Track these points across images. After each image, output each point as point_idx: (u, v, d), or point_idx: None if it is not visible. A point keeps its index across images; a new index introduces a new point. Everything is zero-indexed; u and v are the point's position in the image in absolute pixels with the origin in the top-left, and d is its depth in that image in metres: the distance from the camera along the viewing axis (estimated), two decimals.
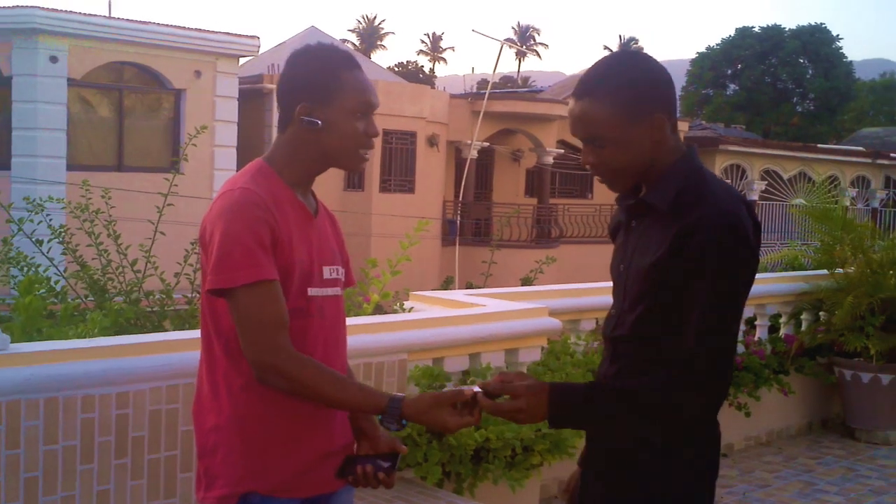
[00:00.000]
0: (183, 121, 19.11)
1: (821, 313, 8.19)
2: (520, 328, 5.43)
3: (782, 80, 54.49)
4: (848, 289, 7.87)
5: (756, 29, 55.81)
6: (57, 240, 6.97)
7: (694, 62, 57.02)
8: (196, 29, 19.44)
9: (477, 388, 2.39)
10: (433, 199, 24.26)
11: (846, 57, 54.93)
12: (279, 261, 2.46)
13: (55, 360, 3.60)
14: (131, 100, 19.23)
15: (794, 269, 9.63)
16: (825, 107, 53.90)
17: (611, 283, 2.62)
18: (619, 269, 2.54)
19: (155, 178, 12.37)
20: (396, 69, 75.48)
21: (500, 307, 5.51)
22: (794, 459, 7.44)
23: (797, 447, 7.79)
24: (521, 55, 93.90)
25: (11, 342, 3.64)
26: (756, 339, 7.82)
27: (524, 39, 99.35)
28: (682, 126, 28.01)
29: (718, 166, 27.87)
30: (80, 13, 17.85)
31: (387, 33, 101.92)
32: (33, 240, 6.94)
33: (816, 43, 53.40)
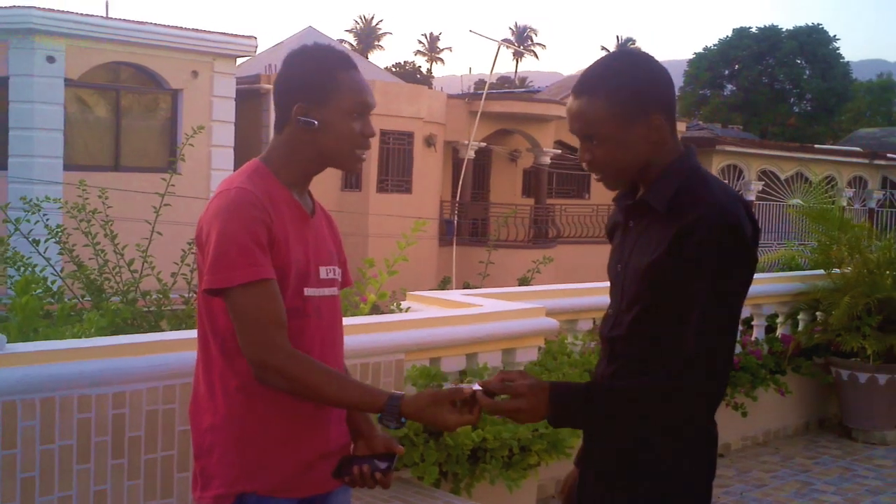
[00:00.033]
0: (180, 121, 19.10)
1: (818, 313, 8.20)
2: (517, 328, 5.43)
3: (779, 81, 54.54)
4: (845, 289, 7.87)
5: (753, 29, 55.87)
6: (54, 240, 6.96)
7: (691, 63, 57.06)
8: (193, 29, 19.43)
9: (477, 387, 2.38)
10: (430, 200, 24.26)
11: (843, 57, 54.99)
12: (275, 260, 2.45)
13: (52, 359, 3.60)
14: (128, 100, 19.22)
15: (790, 269, 9.64)
16: (822, 107, 53.95)
17: (608, 284, 2.61)
18: (616, 269, 2.54)
19: (152, 178, 12.37)
20: (394, 69, 75.46)
21: (497, 307, 5.51)
22: (791, 459, 7.44)
23: (794, 447, 7.80)
24: (518, 55, 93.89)
25: (8, 342, 3.64)
26: (753, 339, 7.83)
27: (521, 40, 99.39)
28: (680, 126, 28.00)
29: (715, 167, 27.88)
30: (76, 13, 17.85)
31: (384, 34, 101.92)
32: (30, 240, 6.93)
33: (814, 43, 53.45)
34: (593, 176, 2.51)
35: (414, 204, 22.87)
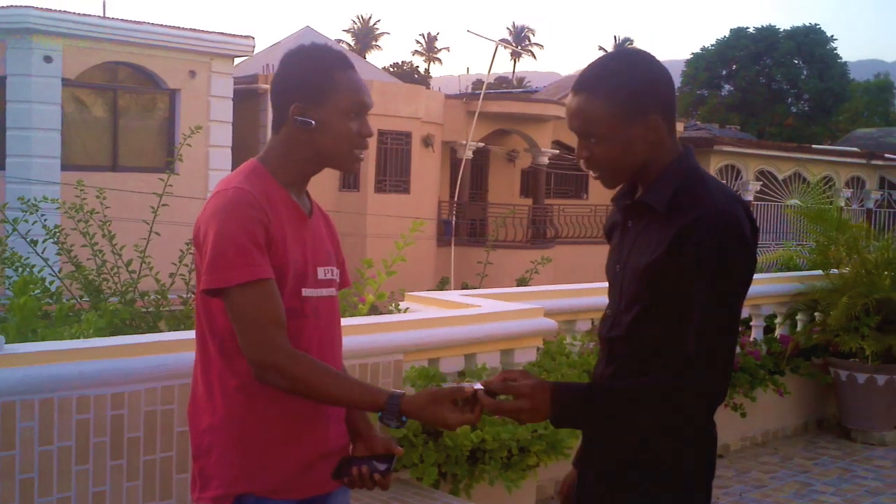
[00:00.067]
0: (177, 121, 19.09)
1: (816, 314, 8.20)
2: (515, 329, 5.43)
3: (777, 81, 54.56)
4: (843, 289, 7.88)
5: (750, 29, 55.88)
6: (52, 240, 6.95)
7: (689, 63, 57.06)
8: (191, 29, 19.42)
9: (478, 386, 2.38)
10: (428, 200, 24.27)
11: (841, 58, 54.99)
12: (273, 261, 2.45)
13: (50, 360, 3.59)
14: (126, 100, 19.21)
15: (789, 269, 9.64)
16: (820, 107, 53.97)
17: (606, 284, 2.61)
18: (615, 269, 2.54)
19: (150, 178, 12.35)
20: (391, 69, 75.46)
21: (495, 308, 5.51)
22: (790, 460, 7.44)
23: (793, 448, 7.80)
24: (516, 56, 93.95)
25: (6, 343, 3.63)
26: (752, 339, 7.83)
27: (519, 40, 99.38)
28: (678, 127, 27.97)
29: (713, 167, 27.89)
30: (74, 13, 17.83)
31: (382, 33, 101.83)
32: (28, 240, 6.92)
33: (811, 44, 53.46)
34: (590, 174, 2.51)
35: (412, 204, 22.88)
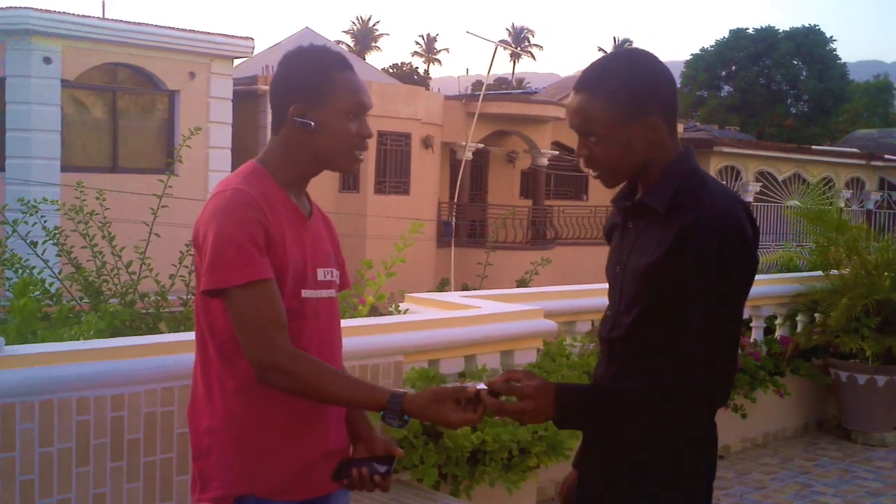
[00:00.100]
0: (177, 122, 19.09)
1: (816, 315, 8.20)
2: (515, 330, 5.42)
3: (776, 82, 54.52)
4: (843, 290, 7.87)
5: (750, 30, 55.84)
6: (52, 241, 6.95)
7: (688, 64, 57.03)
8: (190, 30, 19.42)
9: (481, 386, 2.37)
10: (428, 201, 24.27)
11: (840, 58, 54.93)
12: (272, 262, 2.45)
13: (50, 362, 3.59)
14: (125, 101, 19.20)
15: (789, 270, 9.64)
16: (819, 108, 53.93)
17: (606, 285, 2.61)
18: (615, 270, 2.54)
19: (149, 179, 12.37)
20: (391, 70, 75.49)
21: (495, 309, 5.51)
22: (790, 461, 7.44)
23: (793, 449, 7.80)
24: (515, 57, 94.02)
25: (6, 344, 3.63)
26: (752, 340, 7.83)
27: (519, 41, 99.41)
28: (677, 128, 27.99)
29: (713, 168, 27.90)
30: (73, 14, 17.83)
31: (381, 35, 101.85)
32: (28, 242, 6.92)
33: (810, 44, 53.43)
34: (590, 173, 2.51)
35: (412, 205, 22.88)
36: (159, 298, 6.76)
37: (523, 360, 5.51)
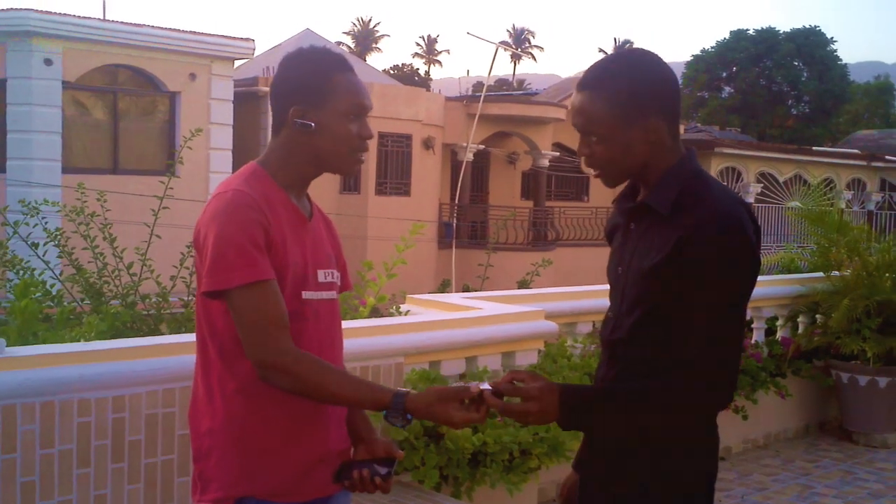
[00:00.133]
0: (178, 123, 19.09)
1: (817, 316, 8.20)
2: (516, 331, 5.42)
3: (777, 83, 54.50)
4: (844, 291, 7.87)
5: (750, 31, 55.82)
6: (53, 243, 6.95)
7: (689, 65, 57.02)
8: (191, 31, 19.42)
9: (485, 386, 2.37)
10: (429, 202, 24.27)
11: (841, 59, 54.91)
12: (273, 263, 2.45)
13: (51, 363, 3.59)
14: (126, 102, 19.21)
15: (790, 271, 9.64)
16: (820, 109, 53.92)
17: (607, 286, 2.61)
18: (616, 271, 2.53)
19: (150, 180, 12.37)
20: (392, 72, 75.48)
21: (496, 310, 5.50)
22: (791, 462, 7.44)
23: (795, 450, 7.79)
24: (516, 58, 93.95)
25: (7, 346, 3.63)
26: (753, 342, 7.82)
27: (519, 42, 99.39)
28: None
29: (714, 169, 27.89)
30: (74, 16, 17.85)
31: (382, 36, 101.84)
32: (29, 243, 6.92)
33: (811, 45, 53.41)
34: (591, 172, 2.51)
35: (413, 206, 22.89)
36: (160, 300, 6.76)
37: (524, 361, 5.51)
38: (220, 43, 19.52)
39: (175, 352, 3.86)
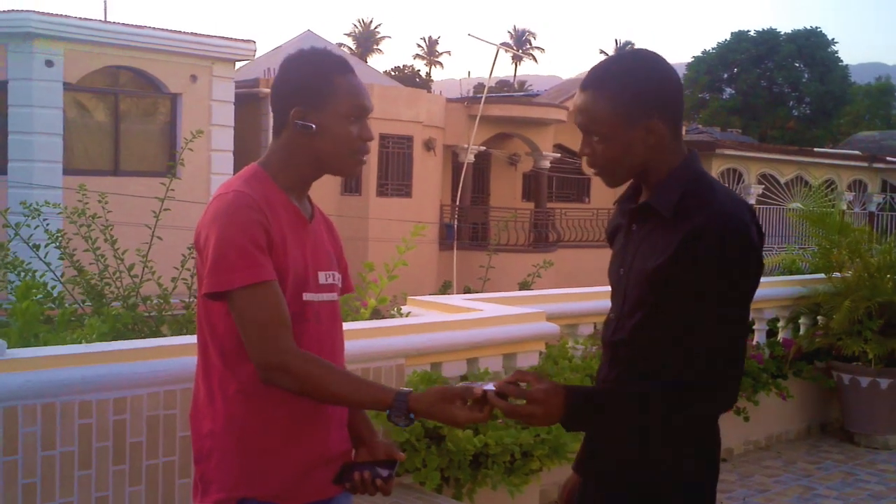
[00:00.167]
0: (179, 125, 19.09)
1: (819, 317, 8.19)
2: (517, 333, 5.42)
3: (778, 84, 54.52)
4: (846, 293, 7.87)
5: (752, 33, 55.84)
6: (54, 244, 6.96)
7: (690, 66, 57.04)
8: (192, 33, 19.41)
9: (489, 387, 2.37)
10: (430, 204, 24.27)
11: (842, 61, 54.93)
12: (273, 264, 2.45)
13: (52, 365, 3.59)
14: (127, 104, 19.21)
15: (791, 273, 9.64)
16: (821, 111, 53.93)
17: (609, 288, 2.61)
18: (618, 272, 2.53)
19: (151, 182, 12.37)
20: (393, 73, 75.49)
21: (497, 312, 5.50)
22: (793, 464, 7.43)
23: (796, 452, 7.79)
24: (517, 59, 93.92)
25: (8, 348, 3.63)
26: (754, 343, 7.82)
27: (520, 43, 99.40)
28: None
29: (715, 170, 27.88)
30: (75, 17, 17.84)
31: (383, 37, 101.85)
32: (30, 245, 6.93)
33: (812, 47, 53.43)
34: (591, 171, 2.51)
35: (414, 208, 22.89)
36: (161, 301, 6.77)
37: (525, 362, 5.50)
38: (222, 44, 19.52)
39: (176, 353, 3.86)
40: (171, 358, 3.83)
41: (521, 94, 43.62)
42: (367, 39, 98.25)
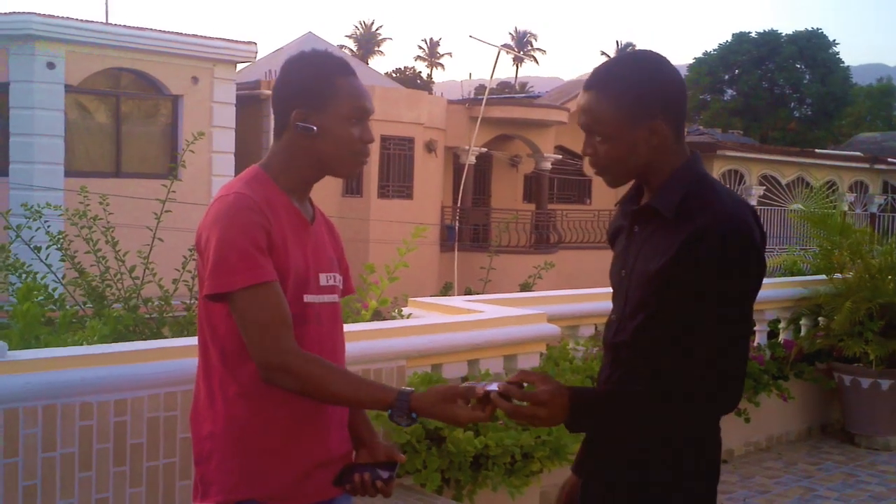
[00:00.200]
0: (180, 127, 19.09)
1: (820, 318, 8.19)
2: (518, 334, 5.42)
3: (779, 86, 54.47)
4: (847, 294, 7.87)
5: (753, 34, 55.78)
6: (55, 246, 6.96)
7: (691, 67, 56.99)
8: (193, 35, 19.42)
9: (492, 387, 2.36)
10: (431, 205, 24.27)
11: (843, 62, 54.86)
12: (274, 265, 2.45)
13: (53, 367, 3.59)
14: (129, 106, 19.22)
15: (792, 274, 9.64)
16: (822, 112, 53.88)
17: (610, 289, 2.61)
18: (620, 274, 2.53)
19: (153, 184, 12.38)
20: (394, 75, 75.49)
21: (498, 313, 5.50)
22: (794, 465, 7.43)
23: (797, 453, 7.79)
24: (518, 61, 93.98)
25: (9, 349, 3.63)
26: (755, 344, 7.82)
27: (522, 45, 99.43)
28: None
29: (716, 172, 27.85)
30: (76, 19, 17.84)
31: (384, 39, 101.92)
32: (31, 247, 6.93)
33: (813, 48, 53.38)
34: (593, 170, 2.51)
35: (415, 209, 22.88)
36: (163, 303, 6.77)
37: (526, 364, 5.50)
38: (223, 46, 19.53)
39: (177, 355, 3.86)
40: (172, 360, 3.84)
41: (523, 95, 43.62)
42: (368, 41, 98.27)
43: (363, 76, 2.66)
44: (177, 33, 19.16)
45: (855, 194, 32.95)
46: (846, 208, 27.97)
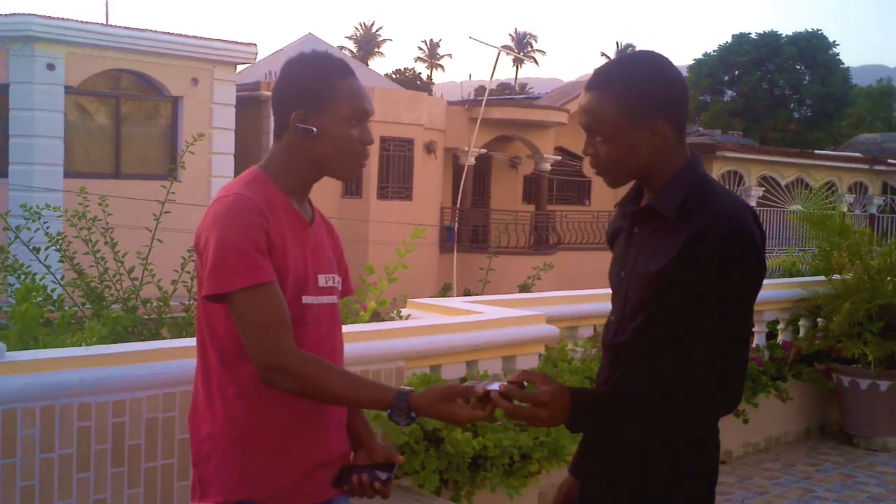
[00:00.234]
0: (180, 128, 19.10)
1: (818, 319, 8.20)
2: (517, 335, 5.42)
3: (779, 87, 54.46)
4: (846, 295, 7.87)
5: (753, 35, 55.78)
6: (54, 247, 6.96)
7: (691, 69, 56.98)
8: (193, 36, 19.43)
9: (493, 387, 2.36)
10: (431, 206, 24.26)
11: (843, 63, 54.86)
12: (273, 266, 2.45)
13: (52, 368, 3.59)
14: (128, 107, 19.23)
15: (791, 275, 9.65)
16: (822, 113, 53.87)
17: (609, 290, 2.61)
18: (619, 275, 2.53)
19: (152, 185, 12.39)
20: (394, 76, 75.48)
21: (497, 314, 5.50)
22: (792, 466, 7.43)
23: (795, 454, 7.79)
24: (518, 62, 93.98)
25: (8, 350, 3.63)
26: (754, 345, 7.82)
27: (521, 46, 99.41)
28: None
29: (716, 173, 27.85)
30: (76, 21, 17.85)
31: (384, 40, 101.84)
32: (30, 248, 6.93)
33: (813, 49, 53.38)
34: (594, 171, 2.52)
35: (414, 210, 22.88)
36: (161, 304, 6.77)
37: (525, 365, 5.50)
38: (223, 48, 19.54)
39: (176, 356, 3.86)
40: (171, 361, 3.84)
41: (522, 96, 43.66)
42: (368, 42, 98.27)
43: (363, 77, 2.67)
44: (177, 34, 19.17)
45: (854, 195, 32.95)
46: (845, 209, 27.97)
